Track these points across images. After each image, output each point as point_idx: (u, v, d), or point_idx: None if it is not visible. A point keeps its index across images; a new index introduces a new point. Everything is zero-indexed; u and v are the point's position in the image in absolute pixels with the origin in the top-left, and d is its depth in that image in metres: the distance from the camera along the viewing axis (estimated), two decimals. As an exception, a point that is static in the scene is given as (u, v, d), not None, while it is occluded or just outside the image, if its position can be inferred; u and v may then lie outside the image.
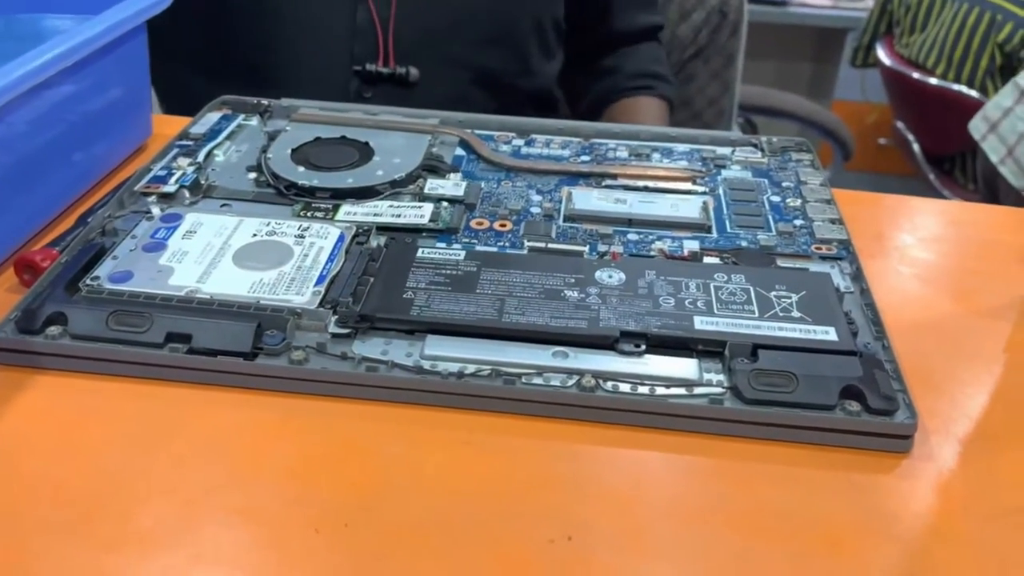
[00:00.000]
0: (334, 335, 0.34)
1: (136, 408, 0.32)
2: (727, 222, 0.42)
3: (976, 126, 1.23)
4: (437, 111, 0.50)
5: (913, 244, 0.46)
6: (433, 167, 0.45)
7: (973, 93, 1.44)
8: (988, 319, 0.39)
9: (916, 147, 1.67)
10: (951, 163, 1.61)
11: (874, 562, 0.28)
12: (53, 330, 0.33)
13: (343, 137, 0.47)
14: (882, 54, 1.69)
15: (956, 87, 1.53)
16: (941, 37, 1.57)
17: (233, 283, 0.36)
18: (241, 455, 0.30)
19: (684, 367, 0.33)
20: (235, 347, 0.33)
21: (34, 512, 0.28)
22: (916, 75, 1.62)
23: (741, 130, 1.28)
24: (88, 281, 0.35)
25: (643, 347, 0.33)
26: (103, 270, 0.36)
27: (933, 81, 1.59)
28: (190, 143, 0.46)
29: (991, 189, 1.25)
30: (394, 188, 0.43)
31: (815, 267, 0.39)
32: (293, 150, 0.45)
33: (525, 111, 0.53)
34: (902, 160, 1.73)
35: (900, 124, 1.69)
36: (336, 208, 0.42)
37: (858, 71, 1.91)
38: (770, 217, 0.42)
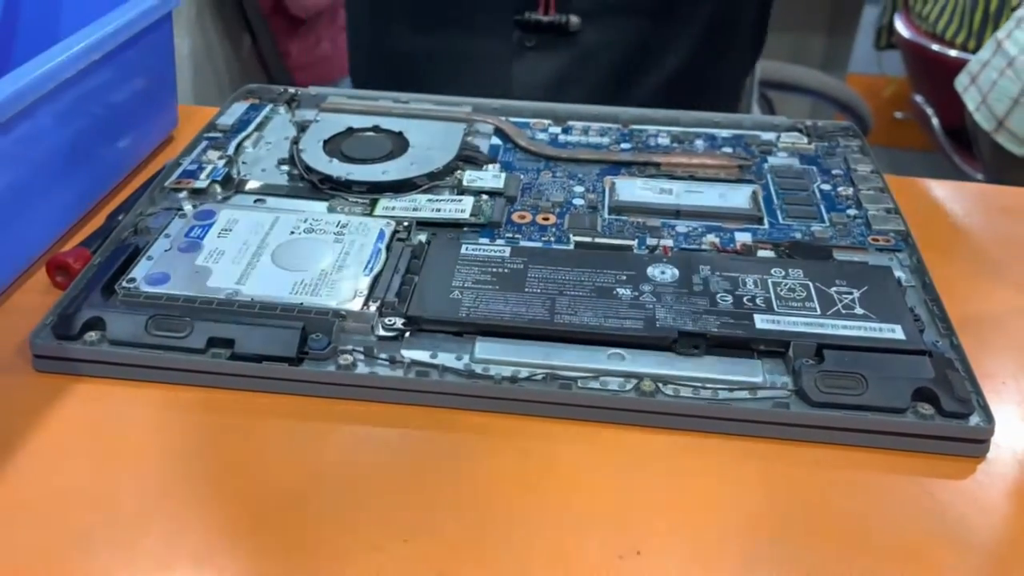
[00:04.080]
0: (381, 338, 0.33)
1: (180, 416, 0.31)
2: (778, 212, 0.40)
3: (960, 80, 1.24)
4: (471, 98, 0.48)
5: (966, 232, 0.44)
6: (470, 158, 0.44)
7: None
8: (1051, 311, 0.38)
9: (935, 121, 1.64)
10: (969, 137, 1.59)
11: (951, 571, 0.27)
12: (91, 336, 0.32)
13: (376, 127, 0.45)
14: (900, 25, 1.66)
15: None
16: (960, 4, 1.54)
17: (274, 284, 0.35)
18: (289, 464, 0.29)
19: (746, 369, 0.31)
20: (280, 352, 0.32)
21: (75, 526, 0.27)
22: (936, 47, 1.59)
23: (759, 107, 1.26)
24: (124, 284, 0.34)
25: (703, 348, 0.32)
26: (139, 272, 0.35)
27: (953, 53, 1.56)
28: (219, 135, 0.45)
29: (978, 146, 1.26)
30: (432, 181, 0.42)
31: (873, 259, 0.37)
32: (325, 141, 0.44)
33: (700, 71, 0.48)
34: (919, 134, 1.70)
35: (919, 98, 1.66)
36: (374, 203, 0.40)
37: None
38: (822, 207, 0.41)
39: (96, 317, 0.33)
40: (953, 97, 1.43)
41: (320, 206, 0.40)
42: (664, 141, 0.46)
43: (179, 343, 0.32)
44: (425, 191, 0.41)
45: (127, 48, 0.41)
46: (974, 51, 1.50)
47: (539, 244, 0.38)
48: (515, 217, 0.40)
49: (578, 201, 0.41)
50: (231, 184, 0.42)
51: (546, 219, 0.40)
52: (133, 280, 0.34)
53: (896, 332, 0.32)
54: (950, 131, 1.61)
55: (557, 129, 0.47)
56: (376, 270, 0.35)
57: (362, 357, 0.32)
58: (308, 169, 0.42)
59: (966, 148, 1.57)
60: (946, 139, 1.62)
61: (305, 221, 0.38)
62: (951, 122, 1.60)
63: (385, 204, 0.40)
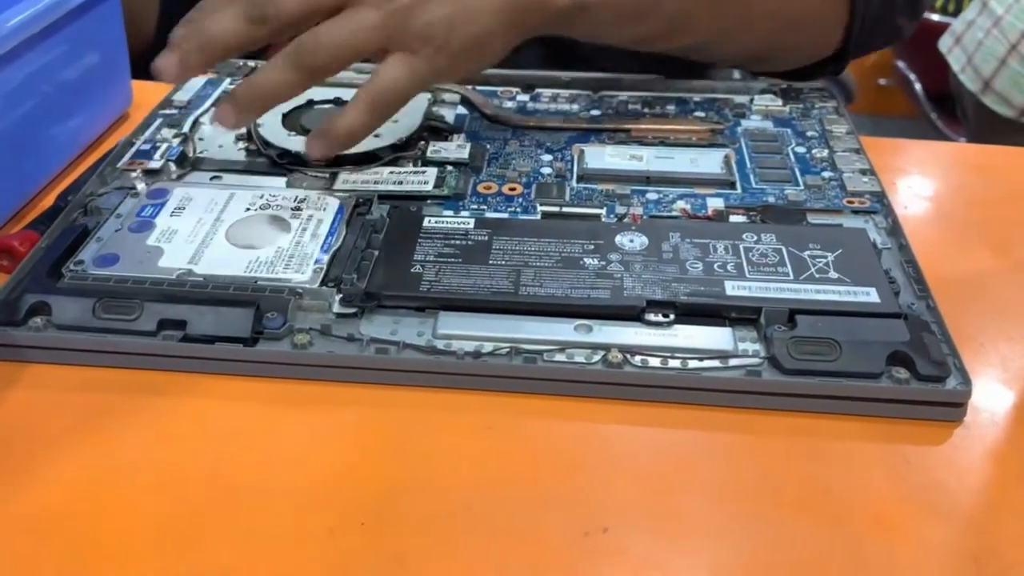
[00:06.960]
0: (339, 315, 0.32)
1: (131, 399, 0.30)
2: (751, 176, 0.39)
3: (944, 41, 1.23)
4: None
5: (943, 192, 0.43)
6: (434, 128, 0.42)
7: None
8: (1031, 271, 0.37)
9: (918, 86, 1.64)
10: (953, 102, 1.58)
11: (929, 539, 0.26)
12: (36, 321, 0.31)
13: (337, 99, 0.44)
14: (882, -9, 1.64)
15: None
16: None
17: (228, 262, 0.33)
18: (244, 448, 0.28)
19: (717, 337, 0.30)
20: (234, 332, 0.30)
21: (24, 512, 0.26)
22: (918, 12, 1.57)
23: (741, 77, 1.24)
24: (72, 266, 0.33)
25: (672, 317, 0.31)
26: (87, 253, 0.34)
27: (935, 17, 1.55)
28: (174, 112, 0.44)
29: (962, 108, 1.26)
30: (395, 153, 0.40)
31: (848, 222, 0.36)
32: (284, 115, 0.42)
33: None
34: (903, 100, 1.69)
35: (901, 63, 1.65)
36: (333, 177, 0.39)
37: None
38: (796, 170, 0.40)
39: (41, 302, 0.31)
40: (936, 62, 1.42)
41: (279, 182, 0.39)
42: (635, 107, 0.45)
43: (128, 326, 0.31)
44: (388, 163, 0.40)
45: (73, 20, 0.40)
46: (954, 13, 1.49)
47: (505, 215, 0.37)
48: (480, 188, 0.39)
49: (546, 170, 0.40)
50: (186, 162, 0.40)
51: (513, 189, 0.39)
52: (81, 262, 0.33)
53: (871, 295, 0.31)
54: (933, 96, 1.60)
55: (525, 97, 0.46)
56: (335, 246, 0.34)
57: (319, 336, 0.31)
58: (266, 144, 0.41)
59: (950, 113, 1.56)
60: (929, 104, 1.61)
61: (262, 197, 0.37)
62: (934, 87, 1.59)
63: (345, 178, 0.39)
